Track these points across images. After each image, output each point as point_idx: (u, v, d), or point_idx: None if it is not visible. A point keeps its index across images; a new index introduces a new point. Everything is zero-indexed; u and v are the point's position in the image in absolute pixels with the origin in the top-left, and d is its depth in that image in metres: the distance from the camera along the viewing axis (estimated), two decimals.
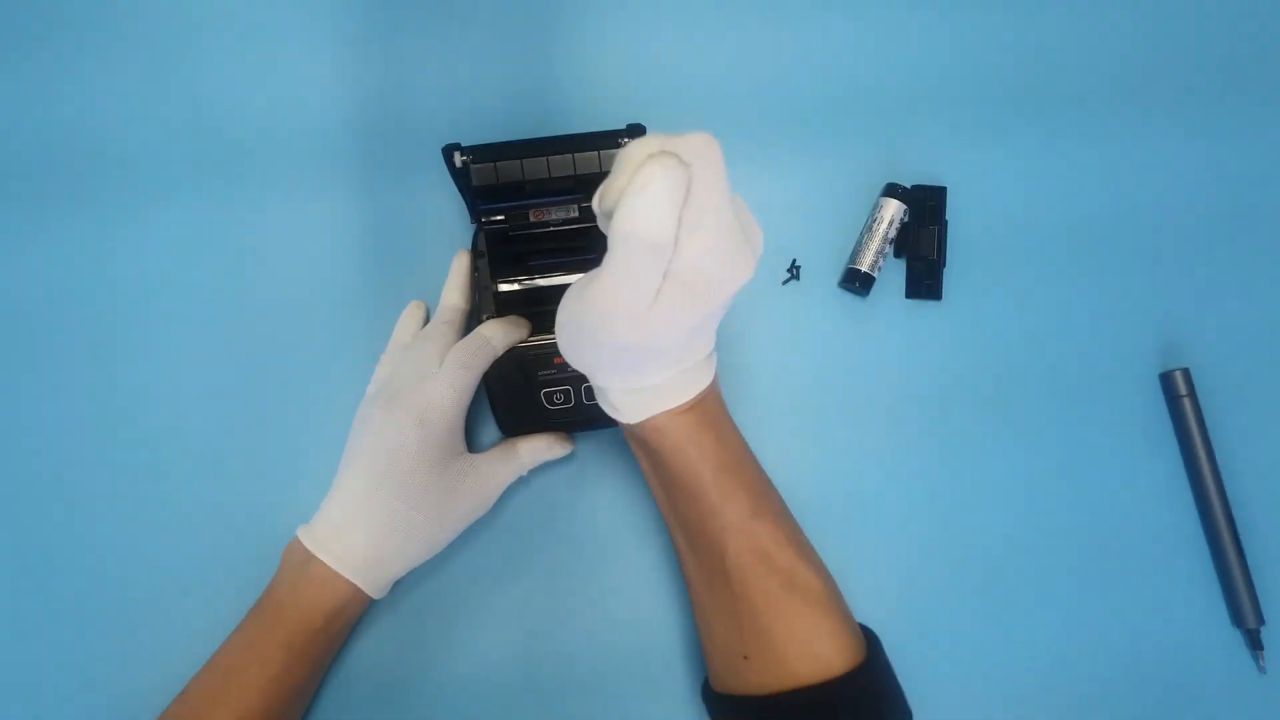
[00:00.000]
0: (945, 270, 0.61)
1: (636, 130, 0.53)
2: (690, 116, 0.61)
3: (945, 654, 0.57)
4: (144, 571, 0.57)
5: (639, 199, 0.34)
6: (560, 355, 0.52)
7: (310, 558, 0.50)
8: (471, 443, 0.58)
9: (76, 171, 0.60)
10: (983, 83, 0.63)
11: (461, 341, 0.52)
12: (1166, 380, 0.60)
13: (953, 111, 0.63)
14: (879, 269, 0.60)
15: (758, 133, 0.62)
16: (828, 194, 0.61)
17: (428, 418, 0.50)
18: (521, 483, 0.56)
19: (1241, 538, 0.58)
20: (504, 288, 0.55)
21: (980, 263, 0.61)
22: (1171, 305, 0.61)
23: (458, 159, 0.52)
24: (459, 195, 0.56)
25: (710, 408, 0.46)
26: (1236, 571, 0.58)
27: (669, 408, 0.44)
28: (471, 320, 0.57)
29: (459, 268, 0.57)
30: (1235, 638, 0.58)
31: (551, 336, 0.53)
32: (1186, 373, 0.59)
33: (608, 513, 0.58)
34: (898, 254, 0.61)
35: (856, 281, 0.60)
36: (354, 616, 0.53)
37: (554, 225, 0.55)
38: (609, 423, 0.54)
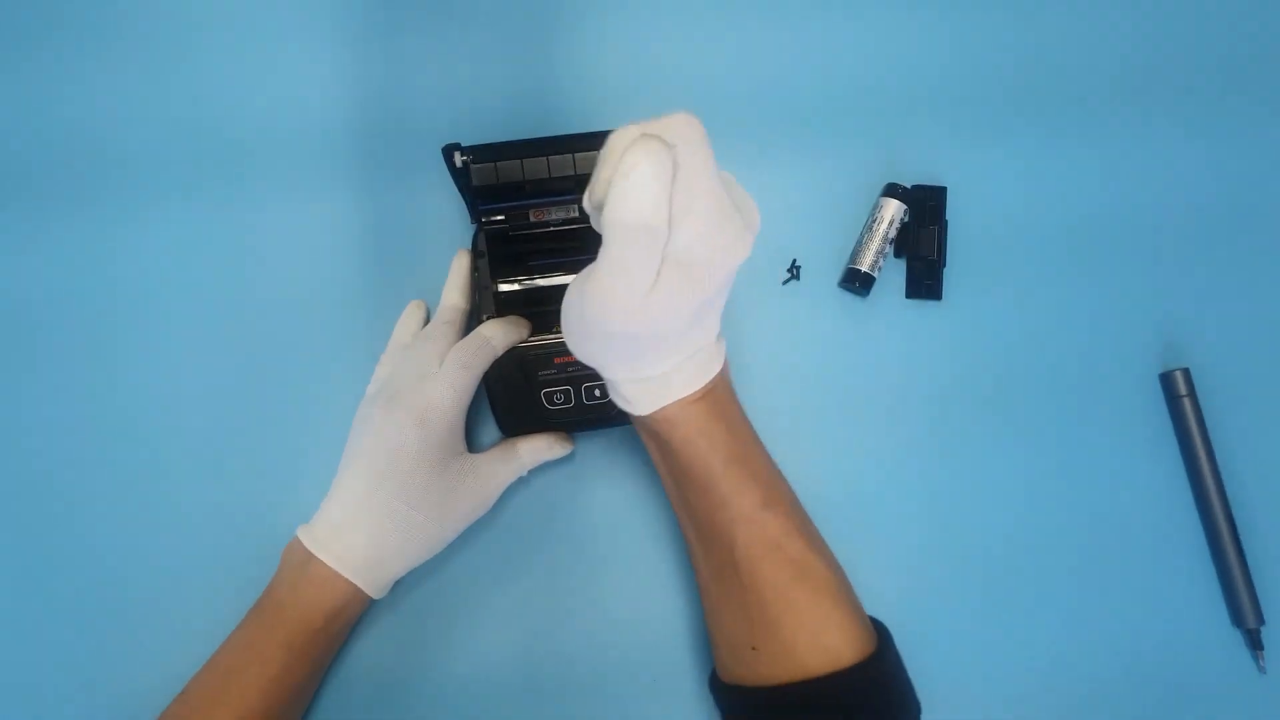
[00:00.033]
0: (945, 270, 0.61)
1: None
2: None
3: (945, 654, 0.57)
4: (144, 571, 0.57)
5: (627, 184, 0.34)
6: (561, 355, 0.53)
7: (310, 558, 0.50)
8: (471, 443, 0.58)
9: (76, 171, 0.60)
10: (983, 83, 0.63)
11: (461, 341, 0.52)
12: (1167, 380, 0.60)
13: (953, 111, 0.63)
14: (879, 269, 0.60)
15: (758, 133, 0.62)
16: (828, 194, 0.61)
17: (428, 418, 0.50)
18: (521, 483, 0.56)
19: (1241, 538, 0.58)
20: (504, 288, 0.55)
21: (980, 263, 0.61)
22: (1171, 305, 0.61)
23: (458, 159, 0.52)
24: (459, 195, 0.56)
25: (721, 397, 0.46)
26: (1236, 571, 0.58)
27: (680, 397, 0.44)
28: (471, 320, 0.57)
29: (459, 268, 0.57)
30: (1235, 638, 0.58)
31: (551, 336, 0.53)
32: (1187, 373, 0.59)
33: (608, 513, 0.58)
34: (898, 254, 0.61)
35: (857, 281, 0.60)
36: (354, 616, 0.53)
37: (554, 225, 0.55)
38: (608, 423, 0.55)
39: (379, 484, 0.50)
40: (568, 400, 0.53)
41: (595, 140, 0.52)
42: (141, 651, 0.56)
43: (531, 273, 0.55)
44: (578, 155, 0.52)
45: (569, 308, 0.41)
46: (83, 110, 0.61)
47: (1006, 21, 0.63)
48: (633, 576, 0.58)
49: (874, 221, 0.60)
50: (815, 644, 0.45)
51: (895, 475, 0.59)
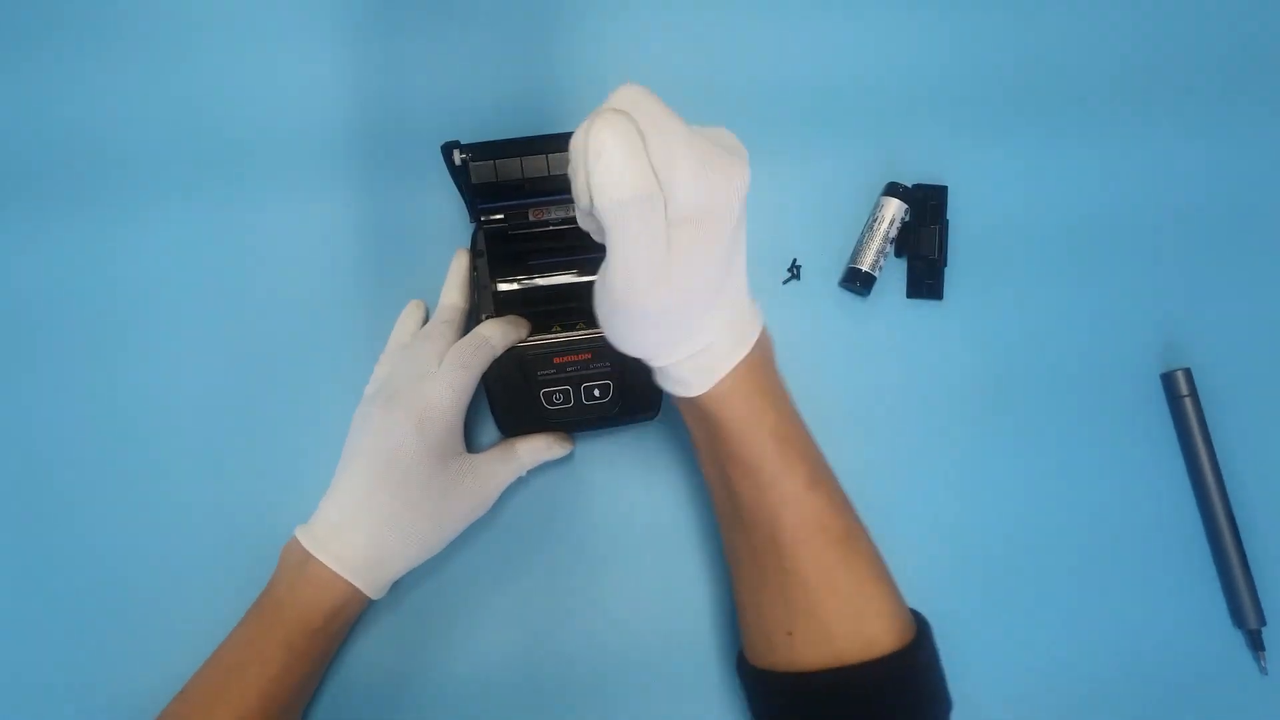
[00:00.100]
0: (946, 270, 0.60)
1: None
2: (690, 116, 0.61)
3: (944, 653, 0.57)
4: (144, 571, 0.57)
5: (602, 164, 0.34)
6: (560, 355, 0.53)
7: (309, 558, 0.50)
8: (471, 443, 0.58)
9: (76, 171, 0.60)
10: (983, 82, 0.63)
11: (460, 341, 0.52)
12: (1168, 380, 0.60)
13: (953, 111, 0.62)
14: (880, 268, 0.60)
15: (758, 132, 0.61)
16: (828, 194, 0.61)
17: (426, 418, 0.50)
18: (521, 483, 0.56)
19: (1243, 538, 0.58)
20: (503, 287, 0.55)
21: (981, 262, 0.61)
22: (1172, 305, 0.61)
23: (457, 157, 0.52)
24: (458, 194, 0.56)
25: (768, 370, 0.45)
26: (1238, 572, 0.57)
27: (732, 364, 0.43)
28: (471, 320, 0.57)
29: (458, 267, 0.57)
30: (1236, 638, 0.58)
31: (550, 336, 0.53)
32: (1188, 372, 0.59)
33: (607, 513, 0.58)
34: (899, 253, 0.61)
35: (857, 281, 0.60)
36: (353, 616, 0.53)
37: (553, 224, 0.55)
38: (608, 423, 0.55)
39: (378, 484, 0.50)
40: (567, 400, 0.53)
41: None
42: (141, 651, 0.56)
43: (531, 272, 0.55)
44: None
45: (600, 306, 0.41)
46: (83, 110, 0.61)
47: (1006, 21, 0.63)
48: (632, 576, 0.57)
49: (875, 221, 0.60)
50: (854, 630, 0.44)
51: (895, 475, 0.59)
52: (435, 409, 0.50)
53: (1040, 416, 0.60)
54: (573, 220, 0.55)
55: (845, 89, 0.62)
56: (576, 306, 0.54)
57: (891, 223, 0.59)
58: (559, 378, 0.53)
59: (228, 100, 0.61)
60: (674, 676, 0.56)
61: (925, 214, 0.60)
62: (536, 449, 0.55)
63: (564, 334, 0.53)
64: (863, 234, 0.60)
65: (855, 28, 0.63)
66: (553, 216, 0.55)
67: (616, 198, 0.35)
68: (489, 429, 0.58)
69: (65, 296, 0.59)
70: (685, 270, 0.38)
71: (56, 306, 0.59)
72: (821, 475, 0.47)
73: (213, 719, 0.48)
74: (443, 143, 0.52)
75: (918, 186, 0.61)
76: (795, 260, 0.61)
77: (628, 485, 0.58)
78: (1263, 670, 0.58)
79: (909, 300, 0.61)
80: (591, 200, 0.36)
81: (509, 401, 0.54)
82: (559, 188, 0.54)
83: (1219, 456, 0.59)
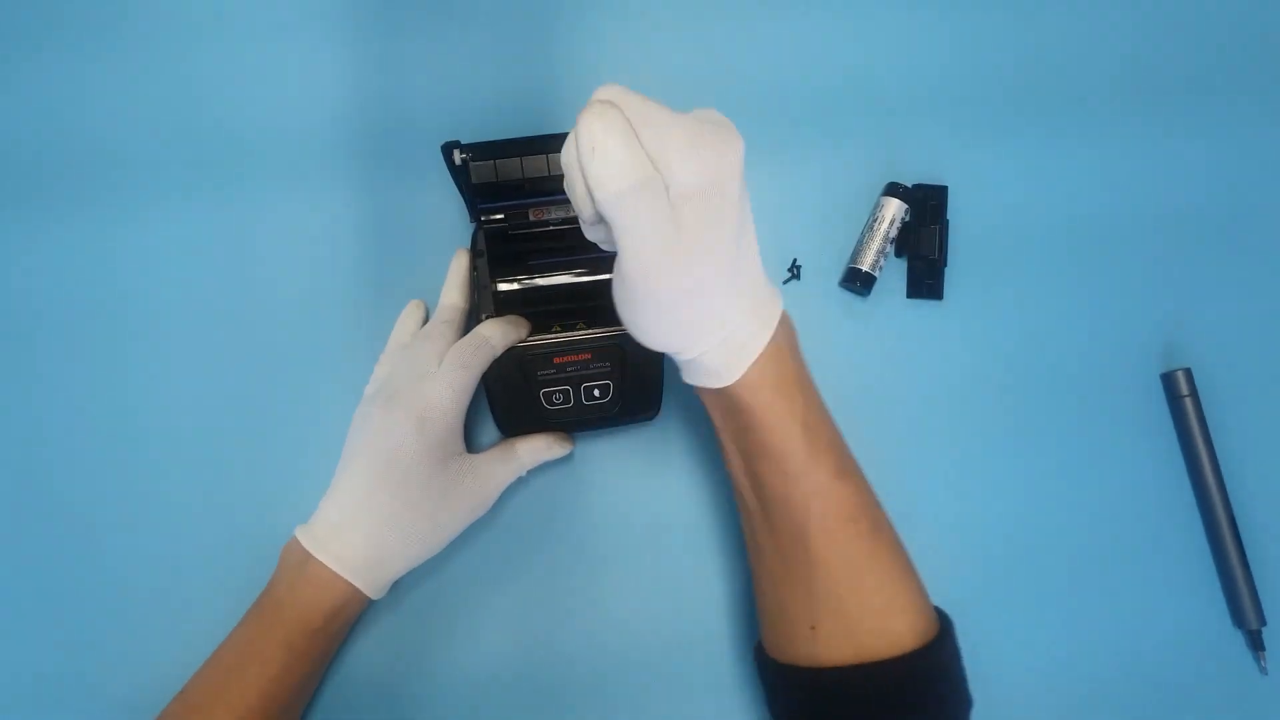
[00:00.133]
0: (946, 270, 0.60)
1: None
2: None
3: None
4: (144, 571, 0.57)
5: (597, 160, 0.35)
6: (560, 355, 0.53)
7: (308, 558, 0.50)
8: (471, 443, 0.58)
9: (76, 171, 0.60)
10: (983, 83, 0.63)
11: (460, 341, 0.52)
12: (1168, 380, 0.60)
13: (953, 111, 0.62)
14: (880, 268, 0.60)
15: (758, 133, 0.61)
16: (828, 193, 0.61)
17: (426, 418, 0.50)
18: (521, 483, 0.56)
19: (1243, 538, 0.58)
20: (503, 287, 0.55)
21: (981, 262, 0.61)
22: (1172, 305, 0.61)
23: (457, 157, 0.52)
24: (458, 194, 0.56)
25: (797, 361, 0.45)
26: (1238, 572, 0.57)
27: (760, 346, 0.42)
28: (471, 320, 0.57)
29: (458, 267, 0.57)
30: (1236, 638, 0.58)
31: (550, 336, 0.53)
32: (1188, 372, 0.59)
33: (607, 513, 0.58)
34: (899, 253, 0.61)
35: (857, 281, 0.59)
36: (353, 616, 0.53)
37: (553, 224, 0.55)
38: (608, 423, 0.55)
39: (378, 484, 0.50)
40: (567, 400, 0.53)
41: None
42: (141, 651, 0.56)
43: (531, 272, 0.55)
44: None
45: (621, 304, 0.41)
46: (83, 110, 0.61)
47: (1006, 21, 0.63)
48: (633, 576, 0.57)
49: (875, 221, 0.60)
50: (880, 626, 0.44)
51: (894, 474, 0.58)
52: (435, 409, 0.50)
53: (1040, 416, 0.60)
54: (573, 220, 0.55)
55: (846, 89, 0.62)
56: (577, 306, 0.54)
57: (891, 223, 0.59)
58: (559, 378, 0.53)
59: (228, 100, 0.61)
60: (674, 676, 0.56)
61: (925, 214, 0.60)
62: (536, 449, 0.55)
63: (564, 334, 0.53)
64: (863, 234, 0.60)
65: (855, 27, 0.63)
66: (553, 216, 0.55)
67: (616, 189, 0.35)
68: (489, 429, 0.58)
69: (65, 296, 0.59)
70: (697, 247, 0.38)
71: (56, 306, 0.59)
72: (848, 466, 0.46)
73: (212, 719, 0.48)
74: (443, 143, 0.52)
75: (918, 186, 0.61)
76: (795, 260, 0.61)
77: (628, 485, 0.58)
78: (1263, 670, 0.58)
79: (909, 300, 0.61)
80: (593, 198, 0.36)
81: (509, 401, 0.54)
82: (559, 188, 0.53)
83: (1219, 456, 0.59)
